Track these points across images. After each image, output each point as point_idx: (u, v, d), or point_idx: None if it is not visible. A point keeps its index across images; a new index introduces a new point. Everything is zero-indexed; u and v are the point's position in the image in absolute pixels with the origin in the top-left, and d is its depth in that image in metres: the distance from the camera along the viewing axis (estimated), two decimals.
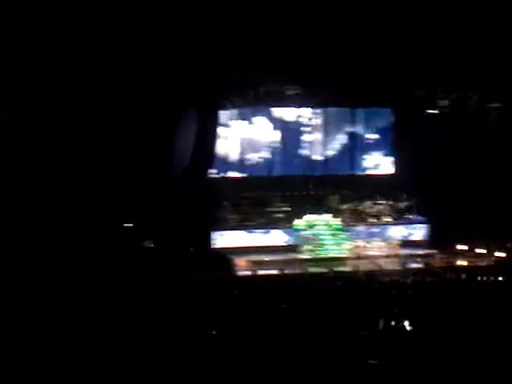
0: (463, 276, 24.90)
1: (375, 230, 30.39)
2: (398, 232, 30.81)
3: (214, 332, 14.97)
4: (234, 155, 31.45)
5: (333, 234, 30.52)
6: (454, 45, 26.82)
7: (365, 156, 33.12)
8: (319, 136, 32.39)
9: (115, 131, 26.60)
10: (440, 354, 13.75)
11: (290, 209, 30.85)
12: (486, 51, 26.98)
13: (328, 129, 32.49)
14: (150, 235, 27.64)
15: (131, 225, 27.53)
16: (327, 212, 31.27)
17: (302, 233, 30.02)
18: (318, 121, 32.30)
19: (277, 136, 31.88)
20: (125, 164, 26.84)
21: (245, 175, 31.79)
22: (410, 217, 31.93)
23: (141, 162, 27.07)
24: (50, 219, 25.70)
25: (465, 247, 29.62)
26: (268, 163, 31.99)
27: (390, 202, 32.07)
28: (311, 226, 30.43)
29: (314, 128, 32.28)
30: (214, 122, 29.63)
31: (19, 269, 22.73)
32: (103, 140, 26.48)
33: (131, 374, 12.86)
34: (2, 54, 23.83)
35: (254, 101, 30.57)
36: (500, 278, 24.17)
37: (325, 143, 32.48)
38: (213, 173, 30.60)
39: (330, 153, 32.72)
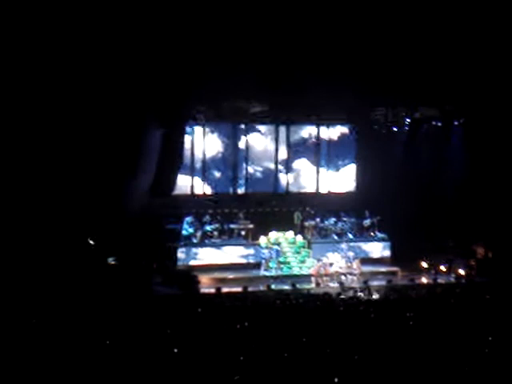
0: (425, 293, 25.10)
1: (338, 246, 30.45)
2: (360, 249, 30.95)
3: (175, 350, 14.94)
4: (198, 171, 31.42)
5: (296, 251, 30.61)
6: (415, 62, 27.07)
7: (328, 173, 33.23)
8: (283, 153, 32.46)
9: (79, 145, 26.39)
10: (402, 371, 13.85)
11: (253, 226, 30.83)
12: (447, 68, 27.28)
13: (291, 145, 32.58)
14: (113, 252, 27.47)
15: (94, 242, 27.33)
16: (291, 229, 31.36)
17: (266, 250, 30.05)
18: (282, 137, 32.37)
19: (241, 152, 31.91)
20: (88, 179, 26.66)
21: (209, 192, 31.76)
22: (373, 234, 32.09)
23: (104, 177, 26.91)
24: (11, 234, 25.45)
25: (427, 264, 29.82)
26: (232, 180, 32.00)
27: (353, 219, 32.21)
28: (275, 243, 30.49)
29: (278, 144, 32.35)
30: (179, 138, 29.54)
31: None
32: (65, 154, 26.25)
33: None
34: None
35: (218, 117, 30.57)
36: (462, 295, 24.40)
37: (288, 160, 32.57)
38: (177, 189, 30.51)
39: (294, 169, 32.79)
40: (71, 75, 24.95)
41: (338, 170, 33.54)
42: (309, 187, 33.16)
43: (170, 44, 25.04)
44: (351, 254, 29.51)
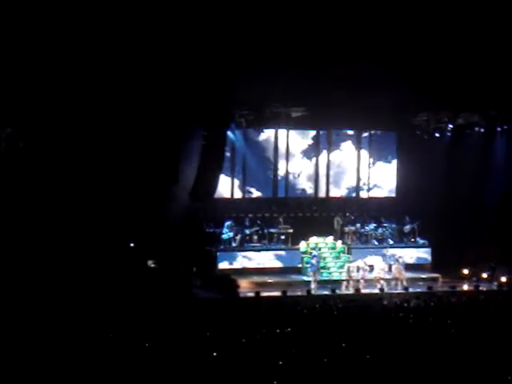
0: (466, 300, 24.88)
1: (378, 252, 30.32)
2: (400, 255, 30.74)
3: (215, 353, 14.98)
4: (238, 176, 31.44)
5: (336, 257, 30.52)
6: (458, 67, 26.88)
7: (368, 178, 33.08)
8: (325, 158, 32.37)
9: (121, 150, 26.66)
10: (443, 379, 13.75)
11: (293, 230, 30.80)
12: (491, 73, 27.03)
13: (332, 151, 32.48)
14: (153, 255, 27.64)
15: (134, 245, 27.52)
16: (331, 234, 31.28)
17: (306, 255, 30.03)
18: (322, 143, 32.30)
19: (281, 157, 31.87)
20: (130, 183, 26.89)
21: (249, 196, 31.78)
22: (413, 240, 31.89)
23: (146, 182, 27.12)
24: (55, 238, 25.74)
25: (468, 271, 29.55)
26: (272, 184, 31.98)
27: (393, 225, 32.04)
28: (315, 248, 30.44)
29: (319, 150, 32.29)
30: (220, 142, 29.63)
31: (19, 288, 22.80)
32: (109, 159, 26.54)
33: None
34: None
35: (258, 121, 30.57)
36: (503, 303, 24.14)
37: (329, 165, 32.46)
38: (218, 193, 30.60)
39: (335, 174, 32.67)
40: (116, 80, 25.18)
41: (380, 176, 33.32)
42: (350, 192, 32.96)
43: (213, 49, 25.12)
44: (391, 259, 29.39)
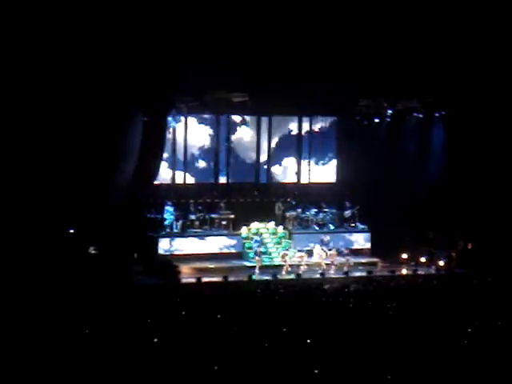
0: (405, 284, 25.25)
1: (319, 237, 30.54)
2: (341, 240, 31.04)
3: (155, 339, 14.96)
4: (179, 162, 31.32)
5: (277, 242, 30.66)
6: (397, 54, 27.16)
7: (309, 164, 33.22)
8: (264, 143, 32.42)
9: (59, 134, 26.28)
10: (380, 361, 13.93)
11: (234, 216, 30.83)
12: (428, 60, 27.37)
13: (273, 136, 32.54)
14: (94, 241, 27.40)
15: (74, 231, 27.25)
16: (272, 220, 31.40)
17: (247, 240, 30.13)
18: (263, 128, 32.33)
19: (222, 143, 31.85)
20: (69, 169, 26.56)
21: (191, 182, 31.70)
22: (353, 225, 32.18)
23: (85, 167, 26.83)
24: None
25: (407, 256, 29.94)
26: (214, 170, 31.95)
27: (334, 210, 32.28)
28: (256, 234, 30.54)
29: (260, 135, 32.32)
30: (161, 128, 29.47)
31: None
32: (46, 144, 26.14)
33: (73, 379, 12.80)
34: None
35: (201, 107, 30.49)
36: (441, 286, 24.56)
37: (269, 151, 32.54)
38: (158, 179, 30.47)
39: (275, 160, 32.76)
40: (53, 65, 24.84)
41: (320, 162, 33.46)
42: (290, 178, 33.08)
43: (154, 34, 24.97)
44: (331, 244, 29.74)
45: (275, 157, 32.71)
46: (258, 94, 29.56)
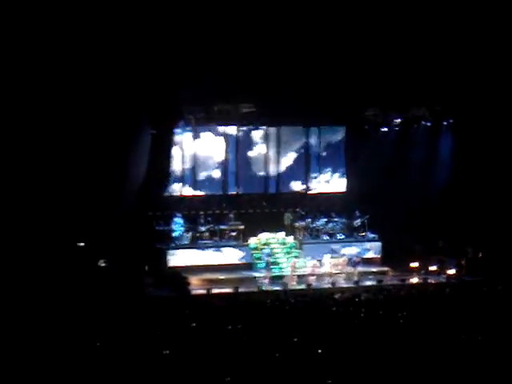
0: (415, 293, 25.16)
1: (328, 247, 30.52)
2: (351, 249, 31.00)
3: (166, 351, 14.95)
4: (188, 174, 31.38)
5: (287, 252, 30.63)
6: (405, 63, 27.16)
7: (318, 174, 33.24)
8: (273, 154, 32.44)
9: (68, 148, 26.38)
10: (392, 370, 13.89)
11: (244, 227, 30.83)
12: (437, 69, 27.37)
13: (282, 147, 32.57)
14: (103, 254, 27.44)
15: (84, 244, 27.30)
16: (281, 230, 31.38)
17: (257, 251, 30.11)
18: (271, 139, 32.37)
19: (231, 154, 31.91)
20: (78, 182, 26.64)
21: (199, 193, 31.73)
22: (363, 234, 32.13)
23: (94, 180, 26.90)
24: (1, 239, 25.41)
25: (417, 264, 29.87)
26: (222, 181, 31.98)
27: (343, 220, 32.25)
28: (265, 244, 30.53)
29: (268, 146, 32.36)
30: (169, 141, 29.54)
31: None
32: (55, 157, 26.23)
33: None
34: None
35: (208, 119, 30.56)
36: (452, 295, 24.47)
37: (278, 161, 32.56)
38: (167, 191, 30.53)
39: (284, 171, 32.78)
40: (61, 75, 24.92)
41: (329, 172, 33.49)
42: (299, 188, 33.08)
43: (161, 46, 25.02)
44: (341, 253, 29.70)
45: (284, 167, 32.73)
46: (266, 104, 29.60)
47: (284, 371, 13.79)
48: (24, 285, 23.40)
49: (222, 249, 30.08)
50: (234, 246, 30.26)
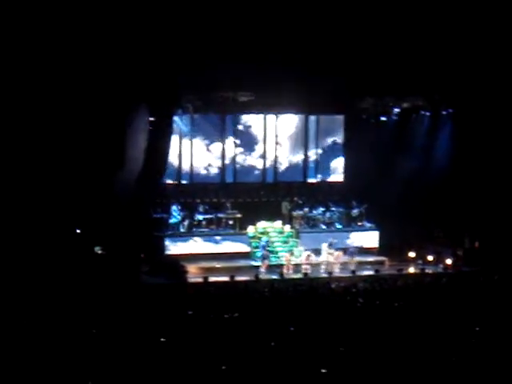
0: (412, 283, 25.19)
1: (326, 236, 30.48)
2: (348, 239, 30.99)
3: (162, 339, 14.95)
4: (186, 162, 31.35)
5: (284, 241, 30.62)
6: (404, 51, 27.09)
7: (316, 163, 33.20)
8: (272, 143, 32.40)
9: (66, 135, 26.30)
10: (388, 359, 13.89)
11: (241, 215, 30.80)
12: (436, 57, 27.31)
13: (281, 136, 32.52)
14: (100, 241, 27.42)
15: (81, 231, 27.27)
16: (279, 219, 31.35)
17: (254, 239, 30.08)
18: (271, 128, 32.32)
19: (229, 143, 31.86)
20: (75, 169, 26.58)
21: (197, 182, 31.68)
22: (361, 224, 32.12)
23: (92, 167, 26.84)
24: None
25: (414, 254, 29.89)
26: (220, 170, 31.94)
27: (341, 209, 32.23)
28: (263, 233, 30.51)
29: (267, 135, 32.30)
30: (167, 128, 29.46)
31: None
32: (53, 144, 26.16)
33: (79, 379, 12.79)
34: None
35: (206, 107, 30.49)
36: (449, 285, 24.50)
37: (277, 150, 32.51)
38: (165, 179, 30.50)
39: (282, 160, 32.74)
40: (59, 64, 24.83)
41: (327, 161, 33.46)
42: (297, 177, 33.05)
43: (160, 33, 24.93)
44: (338, 243, 29.66)
45: (282, 156, 32.69)
46: (264, 92, 29.53)
47: (280, 360, 13.78)
48: (21, 271, 23.38)
49: (220, 237, 30.01)
50: (231, 235, 30.21)
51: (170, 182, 31.10)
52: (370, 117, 32.70)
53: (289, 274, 27.81)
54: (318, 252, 29.17)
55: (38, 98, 25.40)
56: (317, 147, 33.15)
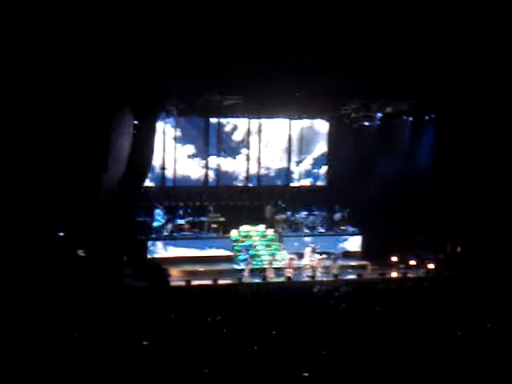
0: (395, 287, 25.29)
1: (309, 240, 30.53)
2: (331, 243, 31.02)
3: (145, 342, 14.94)
4: (169, 164, 31.33)
5: (267, 245, 30.63)
6: (387, 57, 27.19)
7: (299, 167, 33.27)
8: (255, 146, 32.44)
9: (48, 137, 26.16)
10: (371, 363, 13.94)
11: (224, 219, 30.79)
12: (419, 63, 27.42)
13: (264, 139, 32.57)
14: (83, 244, 27.33)
15: (64, 233, 27.16)
16: (262, 222, 31.38)
17: (237, 243, 30.09)
18: (254, 131, 32.36)
19: (213, 146, 31.87)
20: (58, 171, 26.46)
21: (180, 185, 31.66)
22: (343, 228, 32.18)
23: (75, 170, 26.74)
24: None
25: (397, 258, 29.96)
26: (204, 173, 31.93)
27: (324, 213, 32.29)
28: (246, 237, 30.52)
29: (251, 138, 32.35)
30: (150, 131, 29.41)
31: None
32: (35, 146, 26.02)
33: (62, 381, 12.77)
34: None
35: (191, 110, 30.46)
36: (431, 289, 24.60)
37: (260, 153, 32.56)
38: (148, 182, 30.46)
39: (266, 164, 32.78)
40: (40, 66, 24.73)
41: (310, 165, 33.52)
42: (280, 181, 33.12)
43: (144, 35, 24.89)
44: (321, 247, 29.69)
45: (266, 160, 32.73)
46: (249, 96, 29.53)
47: (262, 364, 13.81)
48: (2, 274, 23.26)
49: (203, 241, 29.97)
50: (214, 238, 30.17)
51: (153, 185, 31.05)
52: (352, 121, 32.76)
53: (272, 277, 27.82)
54: (301, 256, 29.20)
55: (19, 100, 25.27)
56: (300, 151, 33.22)
